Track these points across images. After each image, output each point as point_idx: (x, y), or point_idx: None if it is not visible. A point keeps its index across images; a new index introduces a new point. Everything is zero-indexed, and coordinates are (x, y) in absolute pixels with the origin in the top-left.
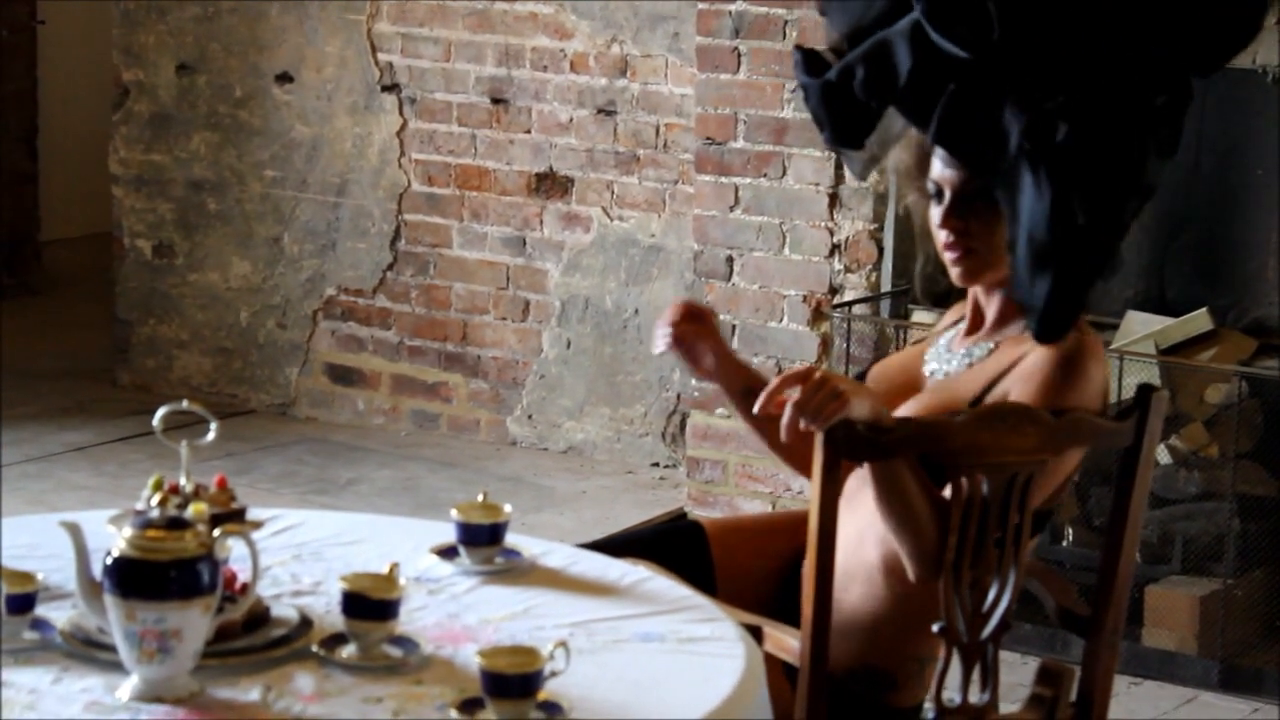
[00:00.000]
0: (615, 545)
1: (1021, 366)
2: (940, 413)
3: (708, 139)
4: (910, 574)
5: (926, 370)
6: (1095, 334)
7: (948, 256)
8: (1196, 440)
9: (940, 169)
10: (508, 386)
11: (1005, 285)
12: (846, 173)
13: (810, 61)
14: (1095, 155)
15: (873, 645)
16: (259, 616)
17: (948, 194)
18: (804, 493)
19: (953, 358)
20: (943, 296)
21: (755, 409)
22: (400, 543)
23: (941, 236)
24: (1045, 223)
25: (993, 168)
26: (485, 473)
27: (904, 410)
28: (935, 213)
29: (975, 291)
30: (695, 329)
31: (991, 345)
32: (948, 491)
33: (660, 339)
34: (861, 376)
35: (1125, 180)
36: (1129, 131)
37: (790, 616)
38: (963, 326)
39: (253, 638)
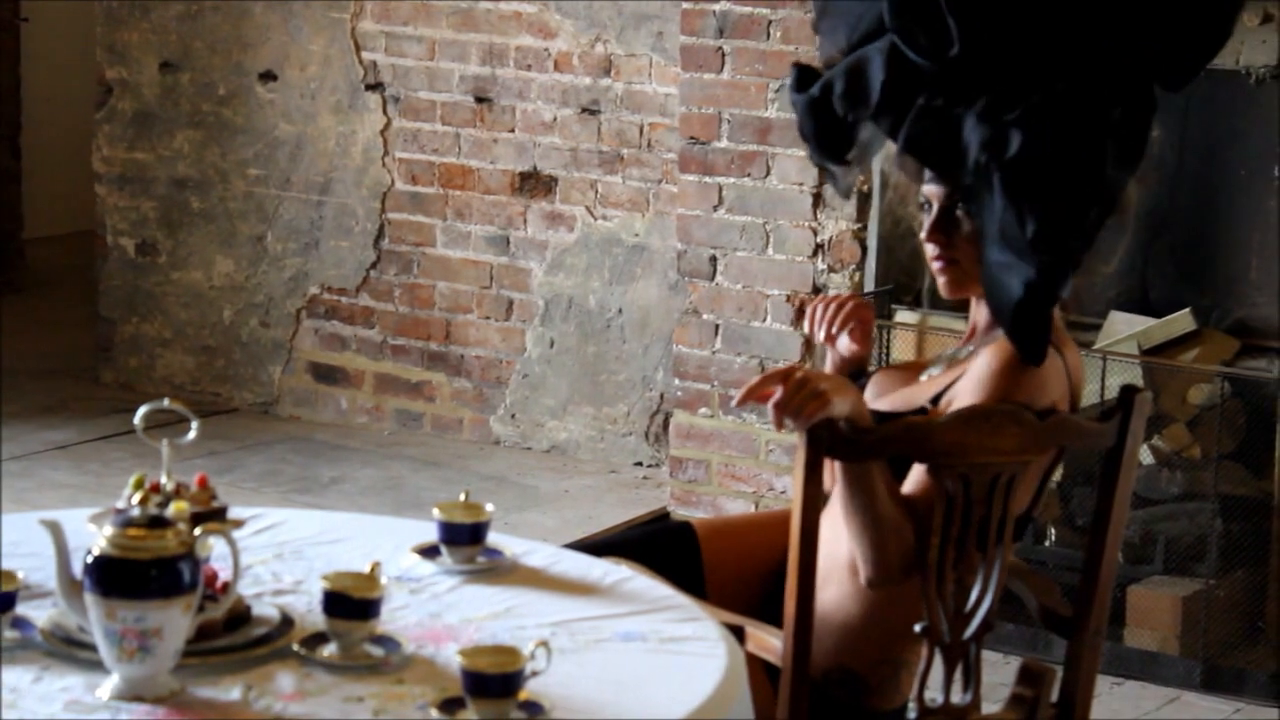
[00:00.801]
0: (604, 546)
1: (971, 366)
2: (899, 407)
3: (691, 138)
4: (861, 575)
5: (923, 376)
6: (1066, 338)
7: (933, 268)
8: (1179, 441)
9: (927, 184)
10: (491, 385)
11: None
12: None
13: (803, 78)
14: (1048, 164)
15: (845, 646)
16: (240, 615)
17: (934, 207)
18: (787, 492)
19: (939, 361)
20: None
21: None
22: (382, 542)
23: (928, 249)
24: (1001, 233)
25: (957, 179)
26: (468, 472)
27: (880, 404)
28: (924, 226)
29: (971, 301)
30: (859, 335)
31: (971, 349)
32: (907, 487)
33: (820, 332)
34: (866, 378)
35: (1080, 189)
36: (1083, 141)
37: (776, 616)
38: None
39: (234, 637)
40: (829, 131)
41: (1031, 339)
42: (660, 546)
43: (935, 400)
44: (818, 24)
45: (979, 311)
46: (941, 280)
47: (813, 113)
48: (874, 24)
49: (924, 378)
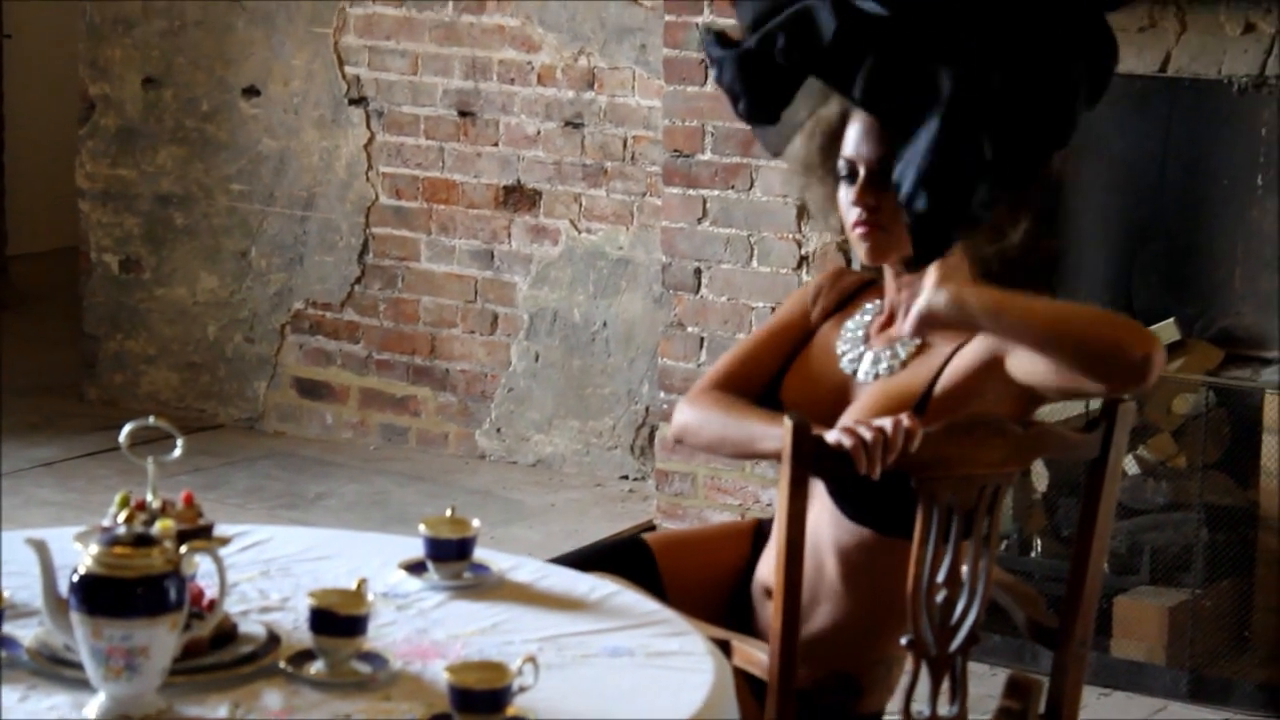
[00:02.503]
0: (565, 564)
1: (968, 351)
2: (881, 410)
3: (675, 151)
4: (1129, 363)
5: (846, 367)
6: None
7: (857, 233)
8: (1164, 450)
9: (854, 146)
10: (476, 400)
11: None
12: None
13: (722, 39)
14: (1026, 97)
15: (840, 653)
16: (226, 633)
17: (861, 171)
18: (774, 504)
19: (879, 357)
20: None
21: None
22: (368, 558)
23: (854, 214)
24: (938, 151)
25: (920, 120)
26: (454, 486)
27: (847, 418)
28: (847, 191)
29: (888, 278)
30: None
31: (917, 342)
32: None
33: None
34: (776, 389)
35: (1049, 124)
36: (1060, 74)
37: (740, 626)
38: (876, 318)
39: (220, 654)
40: (764, 88)
41: (937, 238)
42: (618, 562)
43: (924, 400)
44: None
45: (901, 291)
46: (865, 246)
47: (744, 68)
48: None
49: (847, 367)
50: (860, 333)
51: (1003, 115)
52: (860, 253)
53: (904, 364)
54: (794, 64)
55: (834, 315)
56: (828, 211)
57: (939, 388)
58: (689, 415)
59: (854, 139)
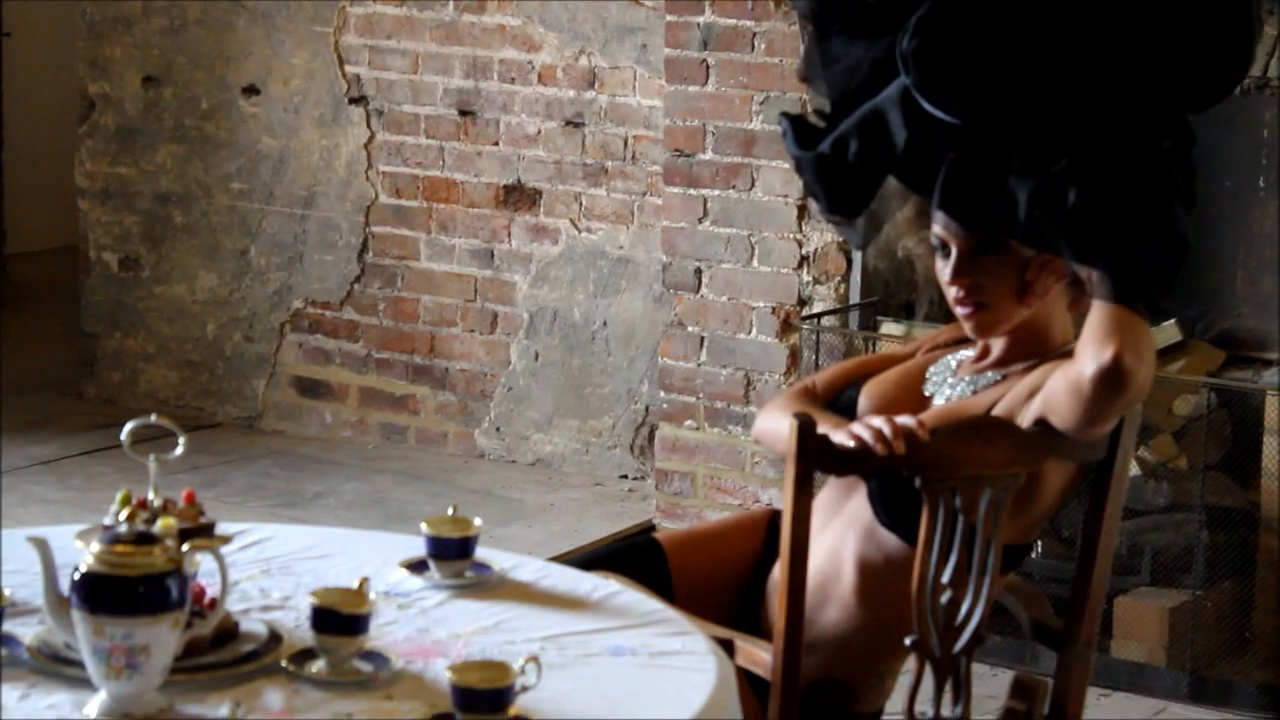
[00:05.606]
0: (574, 564)
1: (1026, 380)
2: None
3: (676, 151)
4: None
5: (926, 391)
6: None
7: (960, 312)
8: (1165, 452)
9: (944, 224)
10: (476, 399)
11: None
12: None
13: (800, 131)
14: (1114, 214)
15: (839, 661)
16: (228, 632)
17: (954, 250)
18: (773, 504)
19: (958, 383)
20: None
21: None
22: (370, 557)
23: (952, 292)
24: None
25: (1002, 230)
26: (453, 485)
27: (863, 407)
28: (943, 268)
29: None
30: None
31: (997, 377)
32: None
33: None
34: (855, 390)
35: (1154, 232)
36: (1144, 184)
37: (750, 621)
38: (970, 354)
39: (221, 653)
40: (843, 188)
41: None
42: (628, 562)
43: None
44: (806, 72)
45: (996, 338)
46: (970, 324)
47: (822, 171)
48: (869, 72)
49: (927, 390)
50: (953, 364)
51: (1089, 236)
52: (967, 329)
53: (975, 393)
54: (868, 170)
55: (940, 349)
56: (927, 271)
57: (998, 406)
58: (759, 417)
59: (942, 216)
